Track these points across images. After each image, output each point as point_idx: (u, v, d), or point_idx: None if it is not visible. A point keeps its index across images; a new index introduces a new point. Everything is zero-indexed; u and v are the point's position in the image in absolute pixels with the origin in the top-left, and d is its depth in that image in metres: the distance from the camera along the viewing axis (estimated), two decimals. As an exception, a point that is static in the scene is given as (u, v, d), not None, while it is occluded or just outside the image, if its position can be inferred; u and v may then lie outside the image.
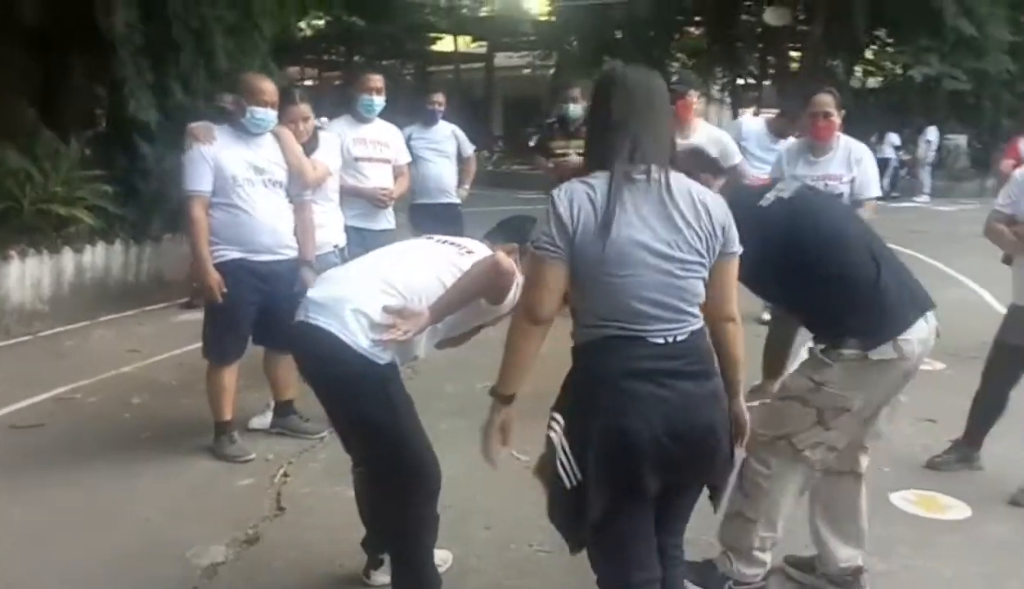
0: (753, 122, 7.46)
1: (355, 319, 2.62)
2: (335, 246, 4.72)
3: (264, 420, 4.60)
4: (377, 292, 2.67)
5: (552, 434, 2.26)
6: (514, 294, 2.77)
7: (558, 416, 2.27)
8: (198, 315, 7.26)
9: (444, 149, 6.76)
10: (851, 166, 4.61)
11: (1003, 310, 7.03)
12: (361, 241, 5.01)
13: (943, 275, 9.09)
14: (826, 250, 2.81)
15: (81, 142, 7.81)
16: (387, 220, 5.42)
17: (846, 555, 3.03)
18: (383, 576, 3.09)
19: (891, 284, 2.77)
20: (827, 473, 2.96)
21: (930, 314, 2.83)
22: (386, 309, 2.61)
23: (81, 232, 7.27)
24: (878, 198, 4.69)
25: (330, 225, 4.73)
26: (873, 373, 2.76)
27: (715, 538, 3.06)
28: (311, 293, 2.77)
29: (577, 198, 2.15)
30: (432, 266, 2.80)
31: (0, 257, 6.60)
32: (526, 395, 4.87)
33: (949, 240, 11.97)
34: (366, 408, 2.63)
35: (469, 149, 6.98)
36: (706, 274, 2.22)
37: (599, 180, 2.16)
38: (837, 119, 4.63)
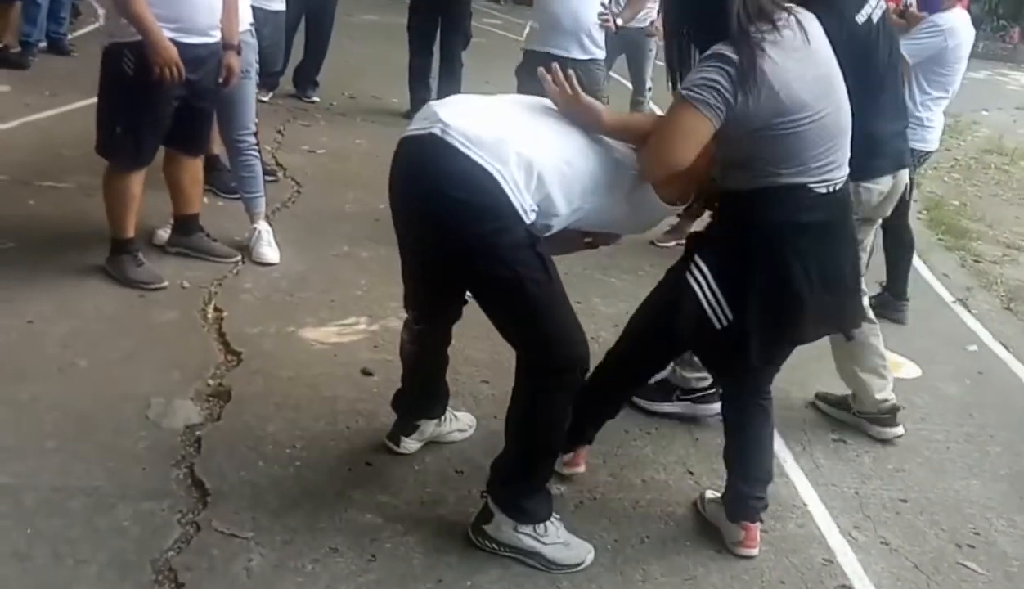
0: None
1: (519, 168, 2.05)
2: (250, 24, 3.89)
3: (160, 236, 3.80)
4: (546, 149, 2.13)
5: (691, 277, 2.23)
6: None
7: (701, 262, 2.24)
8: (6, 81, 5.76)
9: None
10: None
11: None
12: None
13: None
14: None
15: None
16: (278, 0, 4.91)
17: (879, 385, 3.16)
18: (414, 443, 2.69)
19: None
20: None
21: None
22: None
23: None
24: None
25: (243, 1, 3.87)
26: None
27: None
28: (451, 118, 2.08)
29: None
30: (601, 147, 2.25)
31: None
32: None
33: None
34: (517, 270, 2.06)
35: None
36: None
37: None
38: None
